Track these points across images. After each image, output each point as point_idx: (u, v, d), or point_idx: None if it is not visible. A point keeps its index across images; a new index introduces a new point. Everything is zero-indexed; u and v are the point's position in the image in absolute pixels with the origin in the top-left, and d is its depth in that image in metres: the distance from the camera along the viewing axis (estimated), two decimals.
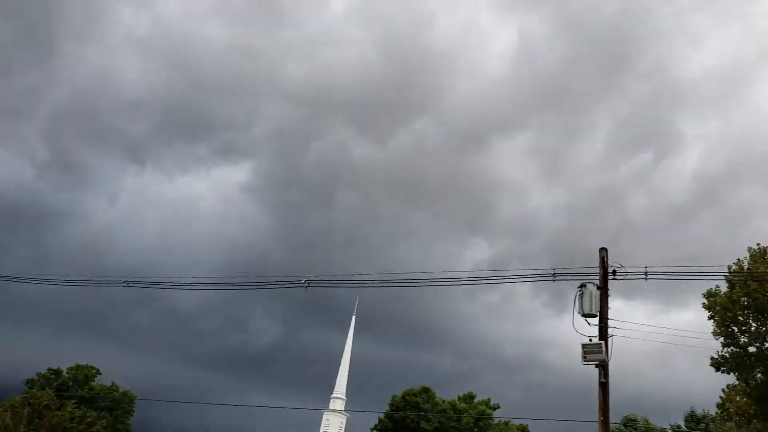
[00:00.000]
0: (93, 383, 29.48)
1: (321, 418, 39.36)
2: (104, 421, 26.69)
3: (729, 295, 12.85)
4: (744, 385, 12.98)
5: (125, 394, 29.85)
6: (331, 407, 39.87)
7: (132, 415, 30.19)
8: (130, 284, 12.20)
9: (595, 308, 8.12)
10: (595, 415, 7.96)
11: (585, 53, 62.14)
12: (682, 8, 63.26)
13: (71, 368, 29.45)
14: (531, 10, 64.43)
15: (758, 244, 13.09)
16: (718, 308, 12.93)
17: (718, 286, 13.24)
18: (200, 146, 75.31)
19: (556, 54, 61.92)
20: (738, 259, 13.09)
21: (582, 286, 8.23)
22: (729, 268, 12.70)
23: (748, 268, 12.68)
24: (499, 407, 32.47)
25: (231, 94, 66.07)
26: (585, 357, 7.82)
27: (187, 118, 69.67)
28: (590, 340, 7.93)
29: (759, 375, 12.60)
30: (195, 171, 76.28)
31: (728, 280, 12.59)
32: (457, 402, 32.17)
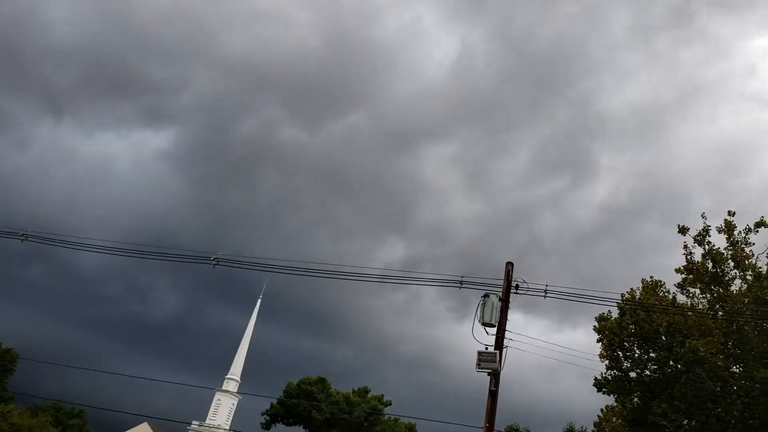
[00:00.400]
0: None
1: (212, 398, 38.80)
2: None
3: (619, 321, 13.59)
4: (621, 407, 13.77)
5: (8, 351, 28.47)
6: (224, 387, 39.34)
7: (12, 374, 28.82)
8: (29, 238, 11.64)
9: (495, 318, 8.44)
10: (482, 421, 8.27)
11: (519, 74, 63.88)
12: (616, 44, 66.07)
13: None
14: (475, 24, 65.59)
15: (651, 277, 13.91)
16: (607, 332, 13.65)
17: (609, 312, 13.98)
18: (124, 105, 72.43)
19: (492, 70, 63.35)
20: (631, 289, 13.85)
21: (485, 296, 8.54)
22: (622, 295, 13.43)
23: (639, 298, 13.45)
24: (390, 404, 33.01)
25: (164, 57, 63.88)
26: (479, 364, 8.11)
27: (114, 75, 66.83)
28: (486, 348, 8.23)
29: (636, 400, 13.39)
30: (115, 130, 73.30)
31: (620, 307, 13.31)
32: (351, 395, 32.46)
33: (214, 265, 10.47)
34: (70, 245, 11.82)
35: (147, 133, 73.38)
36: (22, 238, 11.62)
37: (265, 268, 10.76)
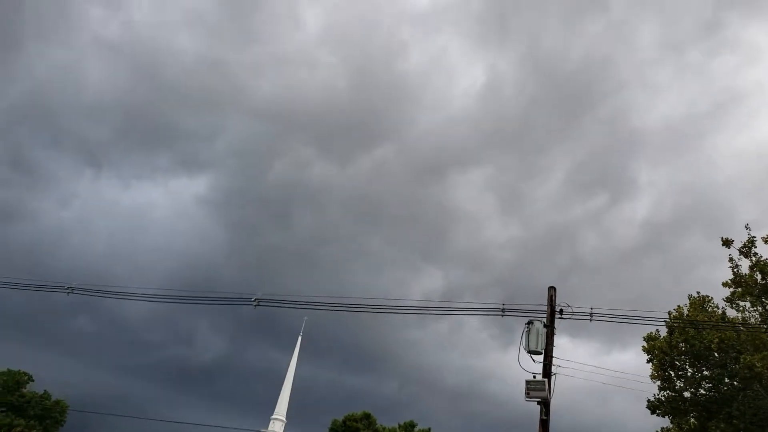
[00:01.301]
0: (24, 390, 28.41)
1: None
2: (33, 430, 25.71)
3: (668, 340, 13.24)
4: (678, 429, 13.34)
5: (57, 402, 28.88)
6: (270, 428, 39.24)
7: (62, 425, 29.19)
8: (74, 291, 11.89)
9: (541, 346, 8.30)
10: None
11: (549, 96, 63.73)
12: (645, 60, 65.64)
13: (2, 373, 28.36)
14: (500, 50, 65.85)
15: (698, 292, 13.56)
16: (656, 352, 13.30)
17: (658, 331, 13.63)
18: (160, 155, 74.14)
19: (520, 94, 63.34)
20: (678, 306, 13.52)
21: (529, 323, 8.42)
22: (669, 313, 13.10)
23: (687, 315, 13.11)
24: None
25: (196, 106, 65.35)
26: (528, 393, 7.96)
27: (149, 126, 68.56)
28: (534, 377, 8.08)
29: (692, 420, 12.97)
30: (152, 179, 74.92)
31: (668, 326, 12.98)
32: (398, 430, 32.06)
33: (255, 305, 10.54)
34: (114, 295, 12.05)
35: (183, 180, 74.87)
36: (67, 291, 11.88)
37: (305, 306, 10.81)
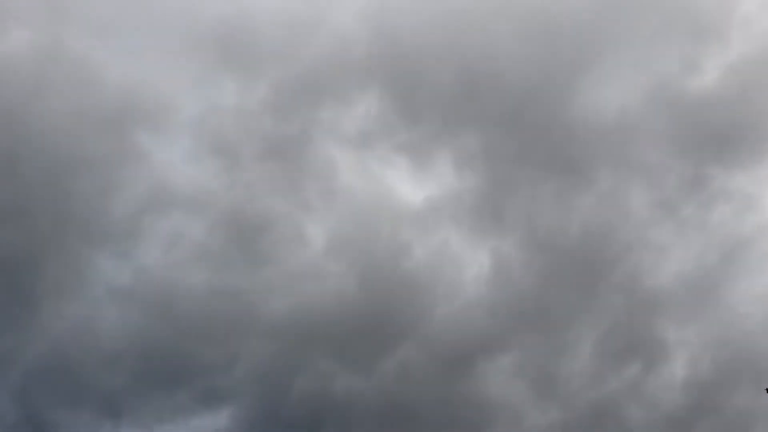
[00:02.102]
0: None
1: None
2: None
3: None
4: None
5: None
6: None
7: None
8: None
9: None
10: None
11: (558, 272, 61.71)
12: (642, 222, 64.22)
13: None
14: (501, 236, 64.35)
15: None
16: None
17: None
18: (179, 394, 71.47)
19: (530, 275, 60.96)
20: None
21: None
22: None
23: None
24: None
25: (212, 338, 63.34)
26: None
27: (167, 366, 66.45)
28: None
29: None
30: (173, 420, 72.52)
31: None
32: None
33: None
34: None
35: (205, 416, 72.34)
36: None
37: None
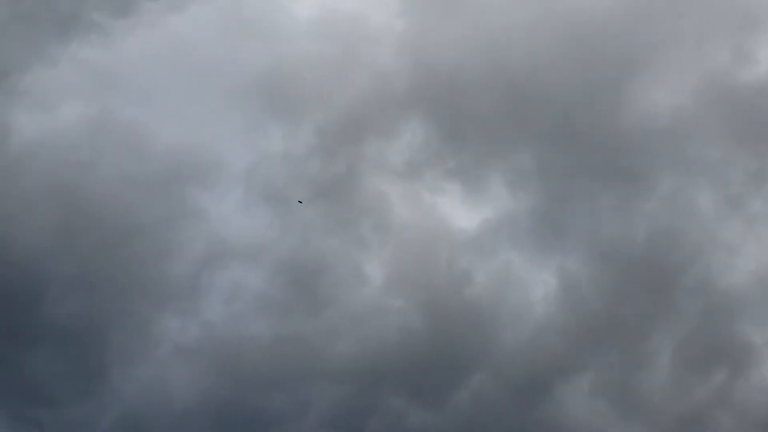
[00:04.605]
0: None
1: None
2: None
3: None
4: None
5: None
6: None
7: None
8: None
9: None
10: None
11: (628, 282, 60.15)
12: (710, 223, 62.00)
13: None
14: (564, 253, 63.09)
15: None
16: None
17: None
18: None
19: (599, 289, 59.31)
20: None
21: None
22: None
23: None
24: None
25: (281, 386, 63.16)
26: None
27: (238, 419, 66.79)
28: None
29: None
30: None
31: None
32: None
33: None
34: None
35: None
36: None
37: None
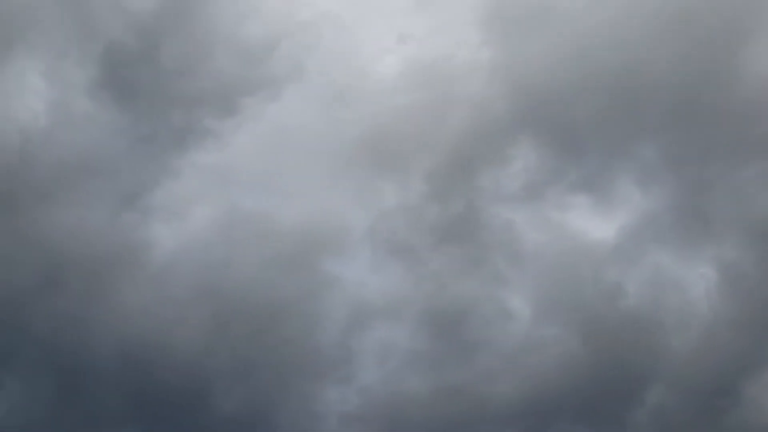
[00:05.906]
0: None
1: None
2: None
3: None
4: None
5: None
6: None
7: None
8: None
9: None
10: None
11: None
12: None
13: None
14: (717, 242, 59.15)
15: None
16: None
17: None
18: None
19: (765, 271, 55.98)
20: None
21: None
22: None
23: None
24: None
25: None
26: None
27: None
28: None
29: None
30: None
31: None
32: None
33: None
34: None
35: None
36: None
37: None
